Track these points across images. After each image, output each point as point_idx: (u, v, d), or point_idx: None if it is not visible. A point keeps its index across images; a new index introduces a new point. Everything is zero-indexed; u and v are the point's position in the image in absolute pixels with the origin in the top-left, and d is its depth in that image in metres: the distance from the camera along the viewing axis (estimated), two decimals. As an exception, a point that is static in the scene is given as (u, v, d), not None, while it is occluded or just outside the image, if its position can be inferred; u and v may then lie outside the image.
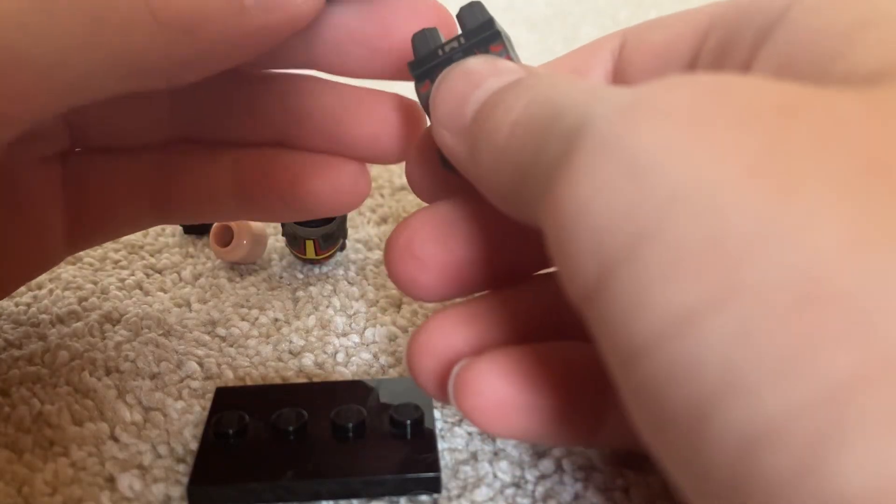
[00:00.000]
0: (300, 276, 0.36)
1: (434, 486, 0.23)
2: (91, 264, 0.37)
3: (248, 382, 0.28)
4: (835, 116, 0.12)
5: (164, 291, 0.35)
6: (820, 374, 0.10)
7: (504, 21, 0.30)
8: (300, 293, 0.34)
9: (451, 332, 0.21)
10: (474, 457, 0.24)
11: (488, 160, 0.18)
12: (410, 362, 0.22)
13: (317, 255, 0.35)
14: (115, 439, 0.25)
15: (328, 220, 0.35)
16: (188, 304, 0.33)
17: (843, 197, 0.11)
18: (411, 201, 0.45)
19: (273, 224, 0.41)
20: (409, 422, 0.24)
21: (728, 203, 0.11)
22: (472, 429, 0.26)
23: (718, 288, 0.11)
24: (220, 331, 0.31)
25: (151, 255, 0.38)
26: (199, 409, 0.27)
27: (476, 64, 0.20)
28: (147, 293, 0.34)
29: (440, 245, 0.21)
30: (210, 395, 0.27)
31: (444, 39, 0.22)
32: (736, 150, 0.12)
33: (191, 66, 0.20)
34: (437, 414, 0.26)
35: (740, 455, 0.11)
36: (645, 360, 0.12)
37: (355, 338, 0.31)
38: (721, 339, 0.11)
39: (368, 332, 0.31)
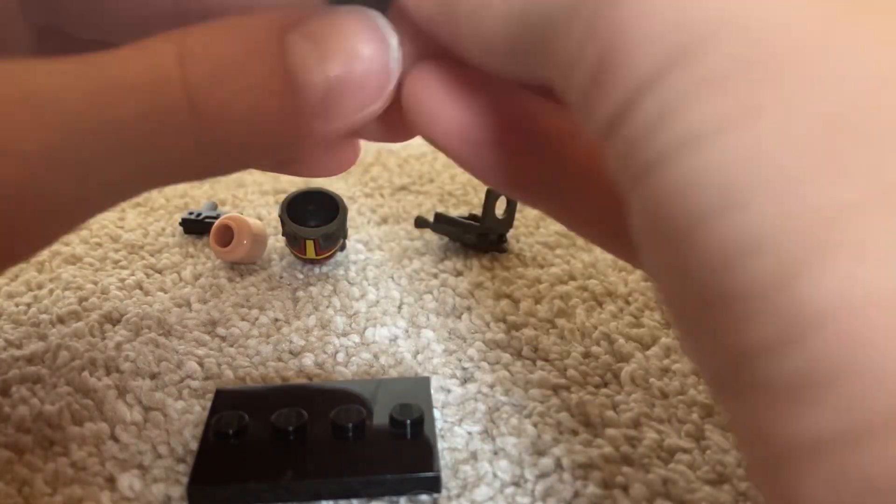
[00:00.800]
0: (300, 276, 0.36)
1: (434, 485, 0.23)
2: (91, 264, 0.37)
3: (248, 382, 0.28)
4: None
5: (164, 291, 0.35)
6: (817, 197, 0.11)
7: None
8: (300, 293, 0.34)
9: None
10: (474, 456, 0.24)
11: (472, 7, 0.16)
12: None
13: (317, 255, 0.35)
14: (116, 439, 0.25)
15: (328, 220, 0.35)
16: (188, 304, 0.33)
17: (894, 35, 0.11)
18: (411, 201, 0.45)
19: (273, 224, 0.41)
20: (408, 422, 0.24)
21: (774, 26, 0.11)
22: (472, 428, 0.26)
23: (743, 106, 0.11)
24: (220, 331, 0.31)
25: (151, 255, 0.38)
26: (199, 409, 0.27)
27: None
28: (147, 293, 0.35)
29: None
30: (210, 395, 0.27)
31: None
32: None
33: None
34: (436, 414, 0.26)
35: (725, 264, 0.12)
36: (657, 173, 0.12)
37: (355, 338, 0.31)
38: (731, 155, 0.11)
39: (368, 332, 0.31)
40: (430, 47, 0.19)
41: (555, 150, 0.19)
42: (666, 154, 0.12)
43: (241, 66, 0.17)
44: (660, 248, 0.13)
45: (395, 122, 0.21)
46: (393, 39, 0.18)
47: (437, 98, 0.18)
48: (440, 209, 0.42)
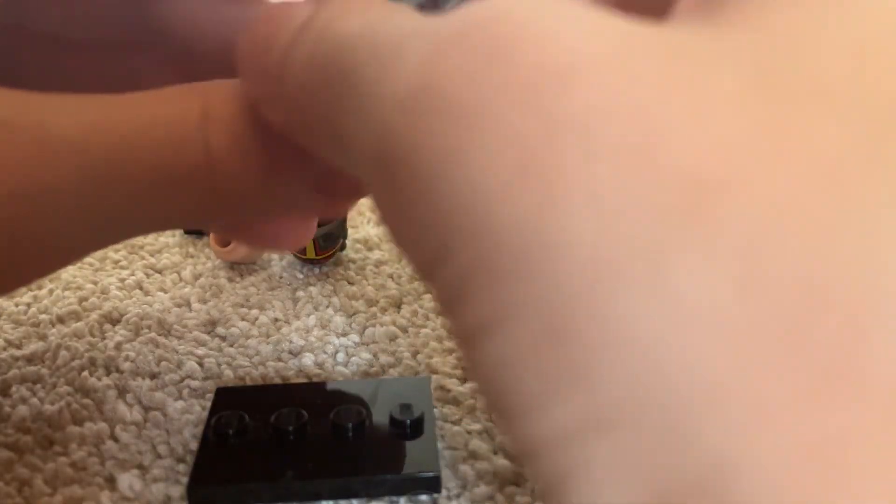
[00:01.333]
0: (300, 276, 0.36)
1: (434, 485, 0.23)
2: (91, 264, 0.37)
3: (248, 382, 0.28)
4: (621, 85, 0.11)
5: (164, 291, 0.35)
6: (546, 422, 0.10)
7: None
8: (300, 293, 0.34)
9: None
10: (473, 455, 0.24)
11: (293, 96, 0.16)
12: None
13: (317, 255, 0.35)
14: (115, 439, 0.25)
15: (328, 220, 0.35)
16: (188, 304, 0.33)
17: (601, 210, 0.10)
18: (411, 201, 0.45)
19: (273, 224, 0.41)
20: (408, 421, 0.24)
21: (497, 220, 0.11)
22: (472, 427, 0.26)
23: (495, 309, 0.11)
24: (220, 331, 0.31)
25: (151, 255, 0.38)
26: (199, 409, 0.27)
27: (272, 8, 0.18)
28: (147, 293, 0.35)
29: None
30: (210, 395, 0.27)
31: None
32: (505, 149, 0.11)
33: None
34: (436, 413, 0.26)
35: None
36: (466, 350, 0.12)
37: (355, 337, 0.31)
38: (497, 359, 0.11)
39: (368, 332, 0.31)
40: None
41: None
42: (467, 336, 0.12)
43: (264, 137, 0.18)
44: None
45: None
46: None
47: None
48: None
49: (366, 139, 0.13)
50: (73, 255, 0.19)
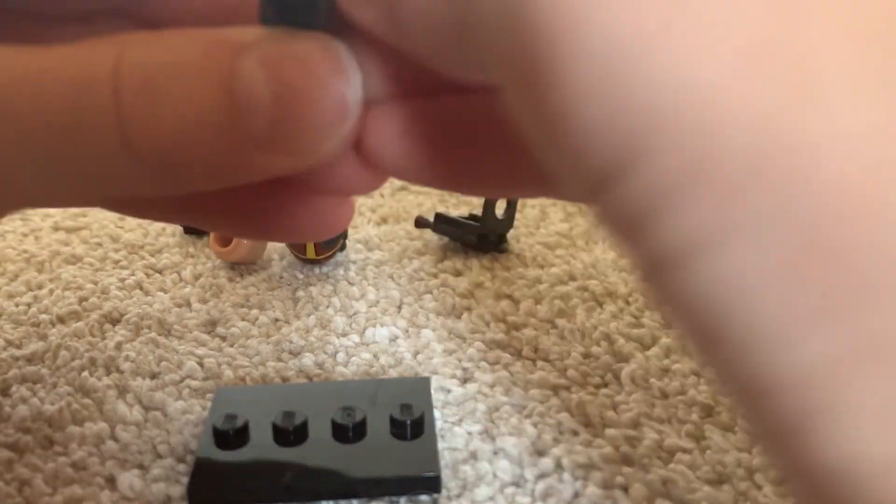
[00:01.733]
0: (300, 276, 0.36)
1: (434, 485, 0.23)
2: (91, 264, 0.37)
3: (248, 382, 0.28)
4: None
5: (165, 291, 0.35)
6: (799, 354, 0.09)
7: None
8: (300, 293, 0.34)
9: None
10: (474, 456, 0.24)
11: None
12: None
13: (317, 255, 0.36)
14: (116, 439, 0.25)
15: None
16: (188, 304, 0.33)
17: (883, 98, 0.09)
18: (411, 201, 0.45)
19: (273, 224, 0.41)
20: (409, 422, 0.24)
21: (729, 113, 0.09)
22: (472, 428, 0.26)
23: (721, 222, 0.09)
24: (220, 330, 0.31)
25: (151, 255, 0.38)
26: (199, 409, 0.27)
27: None
28: (147, 293, 0.35)
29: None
30: (210, 395, 0.27)
31: None
32: (737, 25, 0.09)
33: (168, 189, 0.18)
34: (437, 414, 0.26)
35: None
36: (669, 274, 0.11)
37: (355, 338, 0.31)
38: (721, 282, 0.10)
39: (368, 333, 0.31)
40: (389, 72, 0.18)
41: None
42: (665, 261, 0.10)
43: (179, 81, 0.16)
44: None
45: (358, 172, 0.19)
46: (356, 77, 0.16)
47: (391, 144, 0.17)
48: (440, 209, 0.42)
49: (512, 28, 0.11)
50: None
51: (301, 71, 0.16)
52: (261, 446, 0.24)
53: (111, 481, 0.23)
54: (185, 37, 0.16)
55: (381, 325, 0.32)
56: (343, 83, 0.16)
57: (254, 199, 0.22)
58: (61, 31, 0.22)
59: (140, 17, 0.22)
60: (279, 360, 0.30)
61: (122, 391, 0.27)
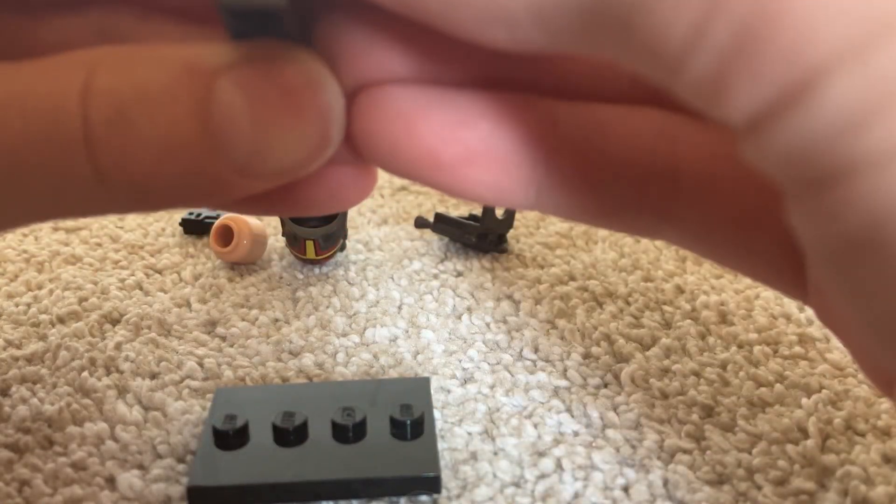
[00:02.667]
0: (300, 276, 0.36)
1: (434, 486, 0.23)
2: (91, 264, 0.37)
3: (248, 382, 0.28)
4: None
5: (164, 291, 0.35)
6: None
7: None
8: (300, 293, 0.34)
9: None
10: (474, 456, 0.24)
11: None
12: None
13: (317, 255, 0.35)
14: (115, 439, 0.25)
15: (328, 221, 0.35)
16: (188, 304, 0.33)
17: None
18: (411, 202, 0.45)
19: (273, 224, 0.41)
20: (409, 422, 0.24)
21: None
22: (472, 429, 0.26)
23: None
24: (220, 331, 0.31)
25: (151, 255, 0.38)
26: (199, 409, 0.27)
27: None
28: (147, 293, 0.34)
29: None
30: (210, 395, 0.27)
31: None
32: None
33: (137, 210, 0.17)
34: (437, 414, 0.26)
35: None
36: (854, 182, 0.10)
37: (355, 338, 0.31)
38: None
39: (368, 333, 0.31)
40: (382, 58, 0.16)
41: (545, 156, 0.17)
42: (871, 162, 0.10)
43: (151, 110, 0.15)
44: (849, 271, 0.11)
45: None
46: (336, 93, 0.16)
47: (397, 124, 0.16)
48: (440, 209, 0.42)
49: None
50: None
51: (279, 93, 0.15)
52: (260, 447, 0.24)
53: (111, 481, 0.23)
54: (157, 58, 0.15)
55: (382, 326, 0.32)
56: (322, 101, 0.15)
57: None
58: (49, 21, 0.21)
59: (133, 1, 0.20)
60: (279, 360, 0.30)
61: (122, 391, 0.27)
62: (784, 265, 0.16)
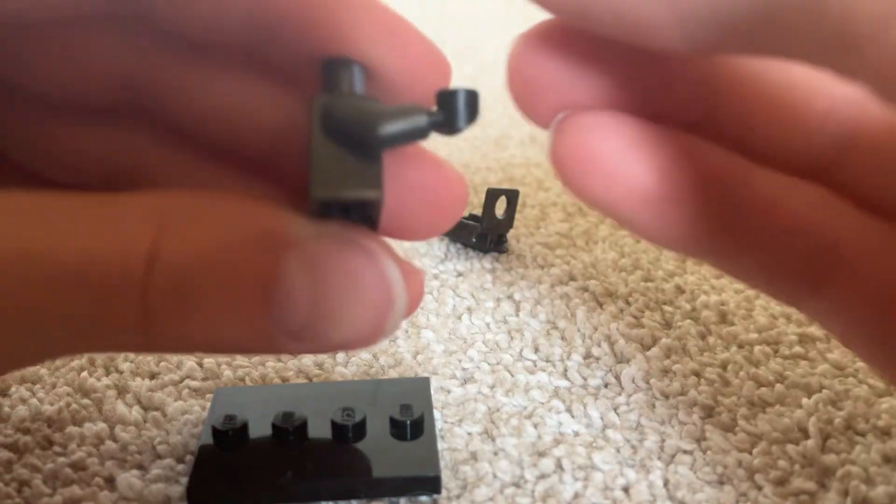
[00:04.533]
0: (300, 276, 0.36)
1: (434, 486, 0.23)
2: (91, 265, 0.37)
3: (248, 383, 0.28)
4: None
5: (164, 292, 0.35)
6: None
7: None
8: (300, 293, 0.34)
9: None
10: (474, 457, 0.24)
11: None
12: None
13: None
14: (115, 439, 0.25)
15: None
16: (188, 305, 0.33)
17: None
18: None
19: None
20: (408, 422, 0.24)
21: None
22: (472, 429, 0.26)
23: None
24: (220, 331, 0.31)
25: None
26: (198, 409, 0.26)
27: None
28: (147, 293, 0.34)
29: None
30: (210, 395, 0.27)
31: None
32: None
33: None
34: (436, 414, 0.26)
35: None
36: None
37: (355, 338, 0.31)
38: None
39: (368, 333, 0.31)
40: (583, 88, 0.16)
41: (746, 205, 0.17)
42: None
43: (216, 282, 0.15)
44: None
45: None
46: (400, 287, 0.16)
47: (614, 153, 0.16)
48: (440, 210, 0.42)
49: None
50: None
51: (342, 276, 0.15)
52: (260, 446, 0.24)
53: (110, 481, 0.23)
54: (227, 221, 0.15)
55: (381, 326, 0.32)
56: (384, 288, 0.15)
57: None
58: (72, 129, 0.20)
59: (162, 119, 0.20)
60: (278, 360, 0.30)
61: (122, 391, 0.27)
62: None
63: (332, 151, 0.15)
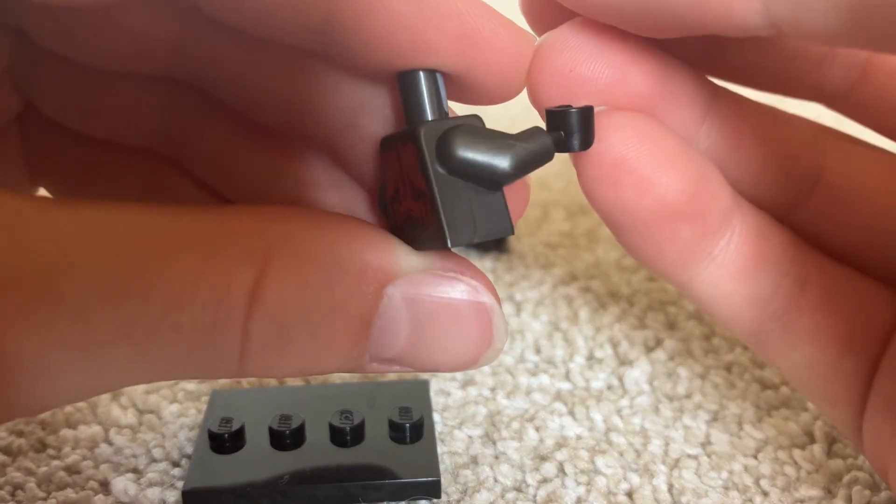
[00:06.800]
0: (299, 276, 0.36)
1: (434, 490, 0.23)
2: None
3: (245, 385, 0.28)
4: None
5: (162, 292, 0.34)
6: None
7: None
8: (299, 294, 0.34)
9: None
10: (474, 460, 0.24)
11: None
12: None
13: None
14: (110, 442, 0.25)
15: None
16: (186, 305, 0.33)
17: None
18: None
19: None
20: (408, 425, 0.24)
21: None
22: (473, 432, 0.25)
23: None
24: (218, 332, 0.31)
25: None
26: (194, 412, 0.26)
27: None
28: (144, 294, 0.34)
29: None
30: (206, 398, 0.27)
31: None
32: None
33: None
34: (436, 417, 0.26)
35: None
36: None
37: (354, 339, 0.31)
38: None
39: (368, 334, 0.31)
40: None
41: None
42: None
43: (315, 327, 0.14)
44: None
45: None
46: (502, 326, 0.16)
47: (651, 160, 0.16)
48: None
49: None
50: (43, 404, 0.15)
51: (445, 316, 0.15)
52: (257, 450, 0.24)
53: (105, 485, 0.23)
54: (330, 259, 0.14)
55: (381, 327, 0.31)
56: (486, 328, 0.15)
57: None
58: (121, 90, 0.20)
59: (214, 90, 0.19)
60: (277, 361, 0.29)
61: (117, 394, 0.27)
62: None
63: (456, 190, 0.14)
